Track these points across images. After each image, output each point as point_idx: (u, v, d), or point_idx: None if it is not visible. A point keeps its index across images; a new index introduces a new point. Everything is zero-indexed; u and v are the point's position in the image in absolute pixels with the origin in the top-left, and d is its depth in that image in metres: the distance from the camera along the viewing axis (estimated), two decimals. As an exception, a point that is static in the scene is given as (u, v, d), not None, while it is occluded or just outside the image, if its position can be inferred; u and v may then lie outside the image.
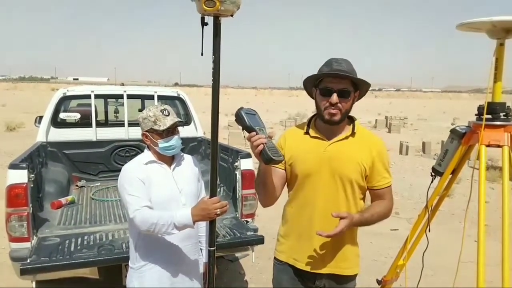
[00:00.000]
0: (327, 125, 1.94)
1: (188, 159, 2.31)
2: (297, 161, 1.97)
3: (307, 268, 1.99)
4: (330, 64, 1.90)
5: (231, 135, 14.69)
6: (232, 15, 1.81)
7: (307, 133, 2.01)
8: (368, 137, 2.03)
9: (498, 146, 2.06)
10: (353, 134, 1.97)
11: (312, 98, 2.04)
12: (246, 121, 1.74)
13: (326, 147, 1.94)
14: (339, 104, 1.86)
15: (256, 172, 2.02)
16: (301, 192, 1.99)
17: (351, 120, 2.02)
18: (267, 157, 1.66)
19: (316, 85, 1.95)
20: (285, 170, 2.03)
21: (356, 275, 2.08)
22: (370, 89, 2.03)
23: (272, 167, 1.95)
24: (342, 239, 1.97)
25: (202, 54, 1.85)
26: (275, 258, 2.14)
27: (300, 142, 2.00)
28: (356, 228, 2.03)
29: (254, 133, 1.71)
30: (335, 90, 1.85)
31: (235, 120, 1.79)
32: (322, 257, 1.96)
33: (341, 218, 1.80)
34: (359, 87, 1.94)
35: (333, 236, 1.81)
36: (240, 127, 1.79)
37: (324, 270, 1.98)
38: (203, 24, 1.81)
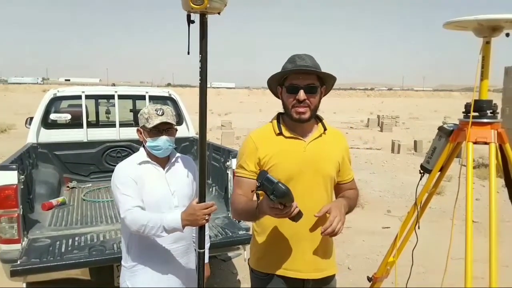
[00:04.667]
0: (297, 123, 1.88)
1: (184, 160, 2.27)
2: (277, 165, 1.86)
3: (298, 275, 1.90)
4: (293, 60, 1.84)
5: (224, 135, 14.70)
6: (219, 13, 1.74)
7: (280, 133, 1.91)
8: (335, 133, 2.03)
9: (485, 143, 2.08)
10: (325, 131, 1.95)
11: (278, 97, 1.97)
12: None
13: (306, 147, 1.89)
14: (307, 101, 1.81)
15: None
16: None
17: (317, 117, 1.96)
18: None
19: (281, 83, 1.90)
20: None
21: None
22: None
23: (242, 177, 1.95)
24: (329, 240, 1.94)
25: (188, 53, 1.79)
26: (255, 270, 1.99)
27: (275, 144, 1.89)
28: None
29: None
30: (301, 86, 1.80)
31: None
32: (313, 260, 1.90)
33: (328, 212, 1.75)
34: (325, 82, 1.90)
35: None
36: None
37: (313, 275, 1.91)
38: (189, 22, 1.74)
